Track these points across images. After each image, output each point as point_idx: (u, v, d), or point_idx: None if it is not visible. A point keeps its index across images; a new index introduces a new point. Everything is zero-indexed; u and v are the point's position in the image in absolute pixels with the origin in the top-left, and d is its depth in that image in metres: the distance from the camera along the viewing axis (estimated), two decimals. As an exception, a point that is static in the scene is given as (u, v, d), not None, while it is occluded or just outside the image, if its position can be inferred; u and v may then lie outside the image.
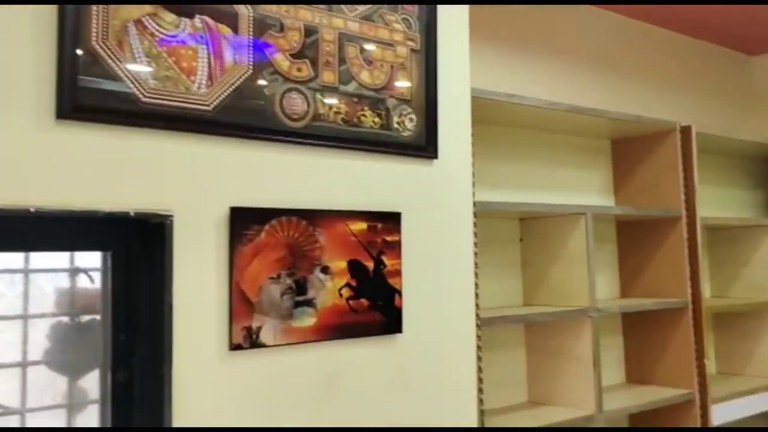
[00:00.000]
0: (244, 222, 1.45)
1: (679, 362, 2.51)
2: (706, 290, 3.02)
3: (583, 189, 2.64)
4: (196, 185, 1.39)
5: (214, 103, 1.42)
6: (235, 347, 1.42)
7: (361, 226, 1.62)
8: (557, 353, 2.30)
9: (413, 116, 1.73)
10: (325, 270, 1.56)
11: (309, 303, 1.53)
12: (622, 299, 2.63)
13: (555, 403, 2.29)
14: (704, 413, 2.45)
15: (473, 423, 1.79)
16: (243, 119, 1.46)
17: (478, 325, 1.85)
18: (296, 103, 1.54)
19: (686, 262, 2.50)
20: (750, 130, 3.32)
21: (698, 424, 2.44)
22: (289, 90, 1.53)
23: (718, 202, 3.13)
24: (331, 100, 1.58)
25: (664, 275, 2.56)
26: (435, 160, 1.77)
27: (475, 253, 1.86)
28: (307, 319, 1.52)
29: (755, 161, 3.32)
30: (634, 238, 2.67)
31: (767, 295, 2.85)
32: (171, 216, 1.34)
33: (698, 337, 2.49)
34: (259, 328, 1.45)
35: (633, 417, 2.63)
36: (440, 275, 1.76)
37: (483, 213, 2.10)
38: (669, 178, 2.55)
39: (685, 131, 2.54)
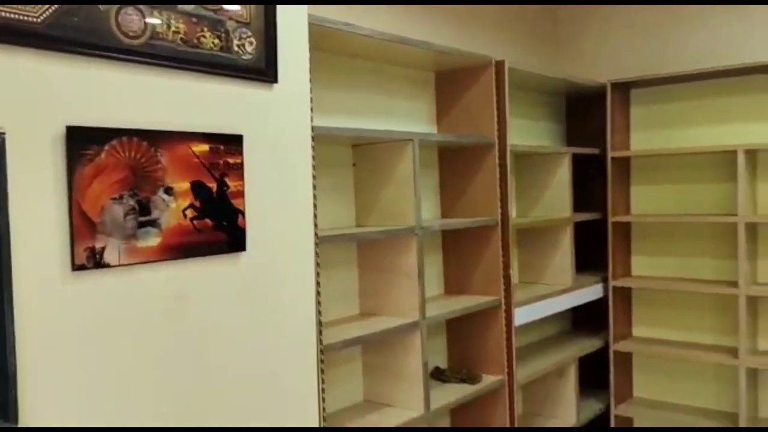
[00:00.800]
0: (82, 142, 1.42)
1: (489, 273, 2.84)
2: (513, 210, 3.40)
3: (411, 117, 2.83)
4: (28, 102, 1.33)
5: (44, 16, 1.35)
6: (78, 268, 1.41)
7: (203, 147, 1.65)
8: (387, 269, 2.50)
9: (253, 40, 1.76)
10: (168, 191, 1.58)
11: (153, 223, 1.55)
12: (443, 219, 2.89)
13: (385, 313, 2.51)
14: (508, 315, 2.83)
15: (312, 334, 1.93)
16: (75, 34, 1.40)
17: (316, 243, 1.97)
18: (132, 20, 1.51)
19: (497, 185, 2.80)
20: (554, 70, 3.71)
21: (503, 325, 2.81)
22: (125, 6, 1.49)
23: (525, 132, 3.50)
24: (169, 19, 1.56)
25: (478, 197, 2.86)
26: (275, 85, 1.82)
27: (314, 176, 1.96)
28: (152, 239, 1.54)
29: (557, 96, 3.72)
30: (453, 164, 2.93)
31: (562, 214, 3.28)
32: (3, 134, 1.28)
33: (505, 251, 2.83)
34: (103, 249, 1.45)
35: (450, 322, 2.96)
36: (281, 197, 1.85)
37: (320, 138, 2.20)
38: (485, 108, 2.81)
39: (500, 66, 2.79)
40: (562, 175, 3.28)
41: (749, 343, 3.13)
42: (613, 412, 3.44)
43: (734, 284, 3.13)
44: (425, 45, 2.47)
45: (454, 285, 2.96)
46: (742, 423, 3.06)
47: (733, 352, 3.18)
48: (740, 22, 3.27)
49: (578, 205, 3.69)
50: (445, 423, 2.98)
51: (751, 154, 3.14)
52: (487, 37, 3.27)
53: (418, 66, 2.80)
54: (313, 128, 1.97)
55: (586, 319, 3.77)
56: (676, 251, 3.49)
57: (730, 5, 3.28)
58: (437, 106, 2.95)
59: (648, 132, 3.55)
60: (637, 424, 3.62)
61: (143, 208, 1.53)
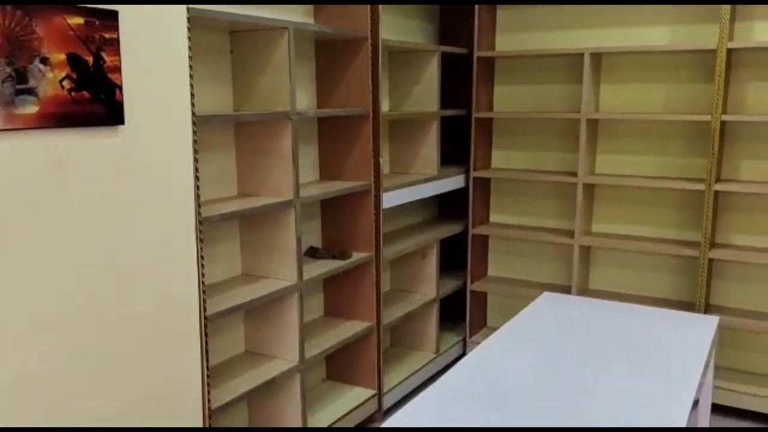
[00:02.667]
0: (-46, 7, 1.45)
1: (361, 161, 3.08)
2: (386, 104, 3.62)
3: (288, 8, 2.91)
4: None
5: None
6: (-43, 130, 1.48)
7: (78, 20, 1.71)
8: (264, 152, 2.67)
9: None
10: (44, 61, 1.64)
11: (30, 92, 1.62)
12: (318, 109, 3.06)
13: (262, 194, 2.70)
14: (377, 199, 3.10)
15: (191, 209, 2.09)
16: None
17: (194, 123, 2.10)
18: None
19: (369, 78, 2.99)
20: (428, -32, 3.85)
21: (372, 208, 3.08)
22: None
23: (400, 29, 3.67)
24: None
25: (352, 89, 3.04)
26: (149, -37, 1.87)
27: (190, 57, 2.06)
28: (30, 107, 1.62)
29: (431, -4, 3.90)
30: (329, 56, 3.07)
31: (430, 109, 3.54)
32: None
33: (375, 140, 3.06)
34: (-18, 113, 1.52)
35: (324, 205, 3.20)
36: (159, 77, 1.94)
37: (197, 22, 2.27)
38: (360, 5, 2.94)
39: (374, -39, 2.92)
40: (432, 72, 3.52)
41: (584, 226, 3.61)
42: (469, 287, 3.88)
43: (573, 174, 3.57)
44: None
45: (328, 171, 3.18)
46: (574, 293, 3.57)
47: (571, 233, 3.66)
48: (596, -66, 3.54)
49: (446, 102, 3.97)
50: (318, 294, 3.28)
51: (596, 57, 3.50)
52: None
53: (295, -44, 2.86)
54: (189, 9, 2.04)
55: (451, 206, 4.15)
56: (531, 146, 3.87)
57: None
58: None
59: (512, 34, 3.82)
60: (489, 298, 4.11)
61: (20, 77, 1.59)
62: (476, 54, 3.66)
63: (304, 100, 3.08)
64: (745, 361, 3.46)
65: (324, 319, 3.26)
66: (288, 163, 2.61)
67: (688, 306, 3.46)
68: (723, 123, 3.24)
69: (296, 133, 2.61)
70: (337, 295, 3.26)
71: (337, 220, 3.19)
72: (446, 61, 3.98)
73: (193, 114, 2.10)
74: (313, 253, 3.08)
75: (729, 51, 3.14)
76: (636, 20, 3.48)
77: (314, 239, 3.22)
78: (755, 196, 3.33)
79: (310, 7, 3.04)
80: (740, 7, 3.23)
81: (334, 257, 3.05)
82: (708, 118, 3.15)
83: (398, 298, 3.66)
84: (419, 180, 3.44)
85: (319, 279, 2.82)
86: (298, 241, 2.67)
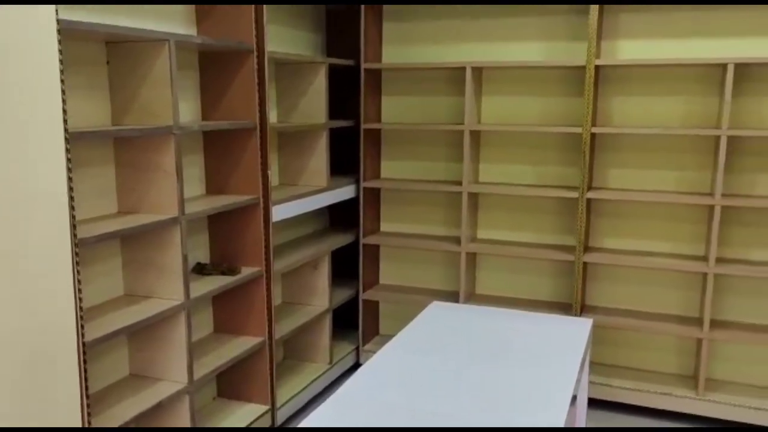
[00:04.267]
0: None
1: (249, 174, 3.04)
2: (274, 115, 3.59)
3: (170, 18, 2.83)
4: None
5: None
6: None
7: (-69, 33, 1.58)
8: (145, 168, 2.57)
9: None
10: None
11: None
12: (203, 121, 2.99)
13: (144, 211, 2.60)
14: (266, 212, 3.07)
15: (66, 231, 1.98)
16: None
17: (67, 139, 1.99)
18: None
19: (256, 90, 2.96)
20: (314, -21, 3.86)
21: (261, 222, 3.05)
22: None
23: (287, 40, 3.66)
24: None
25: (238, 101, 2.99)
26: (13, -28, 1.76)
27: (62, 70, 1.95)
28: None
29: (318, 8, 3.91)
30: (214, 68, 3.01)
31: (318, 120, 3.55)
32: None
33: (263, 153, 3.03)
34: None
35: (212, 220, 3.13)
36: (26, 92, 1.83)
37: (68, 34, 2.16)
38: (244, 14, 2.90)
39: (258, -27, 2.89)
40: (319, 83, 3.53)
41: (470, 233, 3.75)
42: (361, 297, 3.92)
43: (459, 183, 3.70)
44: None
45: (215, 185, 3.11)
46: (462, 299, 3.69)
47: (458, 240, 3.78)
48: (475, -47, 3.69)
49: (335, 113, 4.00)
50: (208, 311, 3.19)
51: (477, 70, 3.65)
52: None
53: (176, -35, 2.79)
54: (59, 21, 1.94)
55: (342, 217, 4.17)
56: (419, 155, 3.97)
57: (467, -64, 3.68)
58: (197, 9, 2.98)
59: (398, 47, 3.91)
60: (381, 307, 4.17)
61: None
62: (363, 66, 3.71)
63: (189, 112, 2.99)
64: (619, 356, 3.72)
65: (214, 336, 3.18)
66: (171, 179, 2.54)
67: (566, 307, 3.67)
68: (593, 135, 3.46)
69: (179, 148, 2.54)
70: (228, 311, 3.19)
71: (226, 234, 3.13)
72: (334, 72, 4.01)
73: (66, 130, 1.99)
74: (200, 270, 3.01)
75: (597, 67, 3.37)
76: (514, 36, 3.66)
77: (202, 255, 3.14)
78: (623, 203, 3.59)
79: (193, 15, 2.97)
80: (606, 26, 3.47)
81: (223, 273, 2.99)
82: (579, 130, 3.36)
83: (291, 311, 3.63)
84: (309, 192, 3.43)
85: (207, 296, 2.75)
86: (184, 258, 2.59)
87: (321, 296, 3.70)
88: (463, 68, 3.61)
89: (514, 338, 2.62)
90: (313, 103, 3.56)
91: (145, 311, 2.46)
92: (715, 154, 3.29)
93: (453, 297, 3.84)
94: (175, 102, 2.49)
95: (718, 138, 3.21)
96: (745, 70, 3.26)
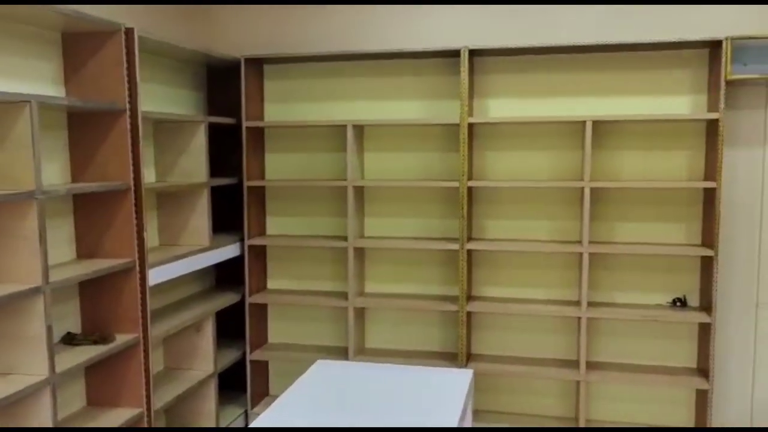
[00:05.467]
0: None
1: (123, 236, 2.92)
2: (151, 174, 3.50)
3: (35, 77, 2.72)
4: None
5: None
6: None
7: None
8: (6, 234, 2.42)
9: None
10: None
11: None
12: (73, 183, 2.86)
13: (3, 281, 2.43)
14: (143, 276, 2.95)
15: None
16: None
17: None
18: None
19: (129, 150, 2.88)
20: (190, 41, 3.85)
21: (137, 286, 2.93)
22: None
23: (165, 98, 3.60)
24: None
25: (110, 161, 2.89)
26: None
27: None
28: None
29: (198, 66, 3.89)
30: (84, 128, 2.91)
31: (199, 179, 3.49)
32: None
33: (139, 214, 2.93)
34: None
35: (83, 286, 2.97)
36: None
37: None
38: (115, 74, 2.84)
39: (129, 33, 2.85)
40: (199, 141, 3.48)
41: (358, 287, 3.77)
42: (248, 357, 3.82)
43: (344, 238, 3.73)
44: (45, 7, 2.41)
45: (87, 249, 2.97)
46: (351, 354, 3.68)
47: (345, 295, 3.79)
48: (367, 13, 3.81)
49: (218, 171, 3.95)
50: (79, 383, 3.00)
51: (358, 128, 3.73)
52: (122, 4, 3.27)
53: (42, 25, 2.70)
54: None
55: (228, 276, 4.08)
56: (304, 211, 3.98)
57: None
58: (65, 68, 2.88)
59: (280, 104, 3.94)
60: (271, 366, 4.08)
61: None
62: (245, 124, 3.71)
63: (56, 174, 2.86)
64: (504, 403, 3.81)
65: (86, 410, 2.99)
66: (33, 245, 2.40)
67: (453, 356, 3.73)
68: (470, 188, 3.61)
69: (42, 213, 2.41)
70: (102, 382, 3.01)
71: (99, 300, 2.98)
72: (216, 129, 3.98)
73: None
74: (70, 340, 2.83)
75: (470, 125, 3.54)
76: (393, 95, 3.79)
77: (72, 323, 2.96)
78: (501, 253, 3.73)
79: (60, 76, 2.86)
80: (477, 86, 3.67)
81: (95, 342, 2.83)
82: (457, 184, 3.49)
83: (173, 377, 3.48)
84: (191, 252, 3.34)
85: (78, 368, 2.59)
86: (49, 329, 2.44)
87: (205, 360, 3.57)
88: (345, 126, 3.68)
89: (397, 393, 2.63)
90: (194, 161, 3.50)
91: (4, 390, 2.28)
92: (581, 204, 3.50)
93: (343, 353, 3.82)
94: (37, 165, 2.38)
95: (582, 189, 3.43)
96: (602, 126, 3.53)
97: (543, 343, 3.73)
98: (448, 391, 2.68)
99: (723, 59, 3.14)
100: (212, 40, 3.99)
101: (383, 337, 3.93)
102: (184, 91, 3.77)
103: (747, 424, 3.53)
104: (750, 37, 3.17)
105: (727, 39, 3.13)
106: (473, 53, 3.50)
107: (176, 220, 3.55)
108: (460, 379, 2.81)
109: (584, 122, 3.37)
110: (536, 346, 3.74)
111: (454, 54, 3.51)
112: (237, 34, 3.96)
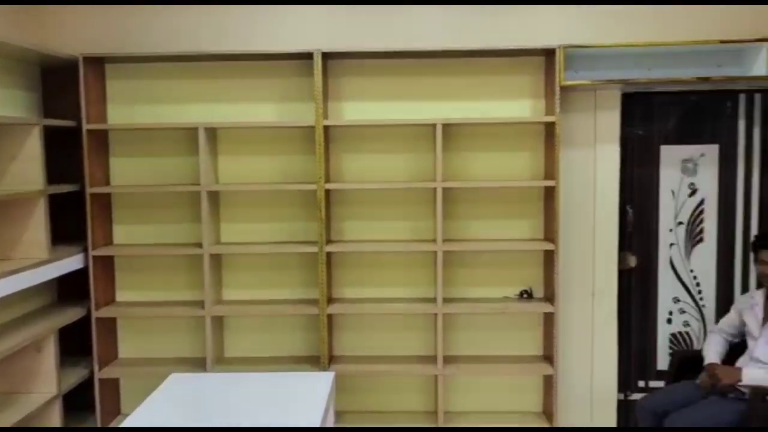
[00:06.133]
0: None
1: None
2: (-23, 183, 3.18)
3: None
4: None
5: None
6: None
7: None
8: None
9: None
10: None
11: None
12: None
13: None
14: (-33, 294, 2.67)
15: None
16: None
17: None
18: None
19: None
20: (21, 38, 3.55)
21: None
22: None
23: (-8, 99, 3.29)
24: None
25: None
26: None
27: None
28: None
29: (32, 65, 3.58)
30: None
31: (34, 187, 3.22)
32: None
33: (-38, 226, 2.65)
34: None
35: None
36: None
37: None
38: None
39: (-56, 26, 2.57)
40: (33, 146, 3.22)
41: (215, 295, 3.65)
42: (97, 375, 3.58)
43: (199, 245, 3.59)
44: None
45: None
46: (209, 365, 3.56)
47: (201, 304, 3.65)
48: (220, 13, 3.67)
49: (58, 177, 3.66)
50: None
51: (211, 131, 3.62)
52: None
53: None
54: None
55: (71, 290, 3.79)
56: (155, 218, 3.79)
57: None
58: None
59: (125, 106, 3.72)
60: (123, 384, 3.85)
61: None
62: (85, 126, 3.47)
63: None
64: (368, 402, 3.84)
65: None
66: None
67: (316, 360, 3.72)
68: (327, 191, 3.61)
69: None
70: None
71: None
72: (54, 133, 3.68)
73: None
74: None
75: (326, 127, 3.54)
76: (248, 97, 3.71)
77: None
78: (361, 254, 3.76)
79: None
80: (332, 88, 3.68)
81: None
82: (314, 186, 3.48)
83: (9, 403, 3.18)
84: (26, 266, 3.08)
85: None
86: None
87: (47, 381, 3.30)
88: (196, 129, 3.55)
89: (256, 401, 2.58)
90: (28, 167, 3.23)
91: None
92: (434, 204, 3.62)
93: (201, 364, 3.68)
94: None
95: (435, 190, 3.54)
96: (452, 129, 3.66)
97: (403, 341, 3.81)
98: (309, 394, 2.66)
99: (557, 66, 3.38)
100: (47, 39, 3.69)
101: (244, 345, 3.84)
102: (15, 91, 3.47)
103: (588, 405, 3.81)
104: (580, 46, 3.44)
105: (560, 47, 3.37)
106: (327, 56, 3.51)
107: (9, 232, 3.26)
108: (321, 381, 2.81)
109: (435, 125, 3.48)
110: (397, 344, 3.81)
111: (308, 56, 3.50)
112: (76, 32, 3.69)
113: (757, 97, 3.71)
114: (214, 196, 3.67)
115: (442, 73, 3.67)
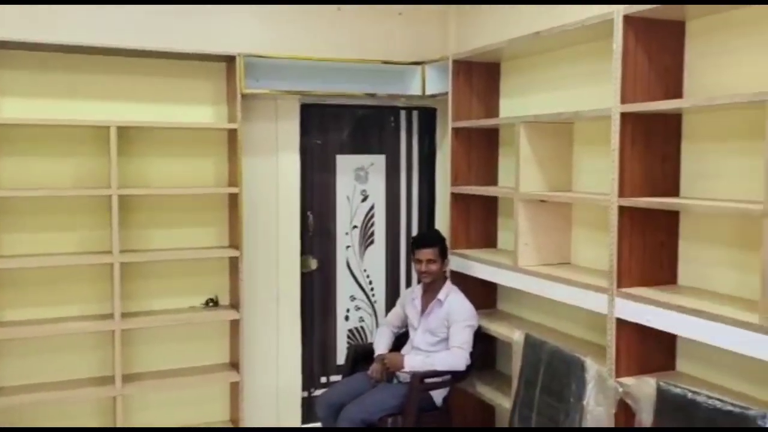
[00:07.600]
0: None
1: None
2: None
3: None
4: None
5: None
6: None
7: None
8: None
9: None
10: None
11: None
12: None
13: None
14: None
15: None
16: None
17: None
18: None
19: None
20: None
21: None
22: None
23: None
24: None
25: None
26: None
27: None
28: None
29: None
30: None
31: None
32: None
33: None
34: None
35: None
36: None
37: None
38: None
39: None
40: None
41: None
42: None
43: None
44: None
45: None
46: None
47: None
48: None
49: None
50: None
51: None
52: None
53: None
54: None
55: None
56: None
57: None
58: None
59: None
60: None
61: None
62: None
63: None
64: None
65: None
66: None
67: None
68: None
69: None
70: None
71: None
72: None
73: None
74: None
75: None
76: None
77: None
78: (23, 270, 3.31)
79: None
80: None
81: None
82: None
83: None
84: None
85: None
86: None
87: None
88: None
89: None
90: None
91: None
92: (110, 213, 3.36)
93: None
94: None
95: (110, 197, 3.28)
96: (129, 132, 3.44)
97: (78, 363, 3.45)
98: None
99: (237, 74, 3.40)
100: None
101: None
102: None
103: (275, 409, 3.90)
104: (260, 56, 3.51)
105: (239, 55, 3.40)
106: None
107: None
108: None
109: (109, 127, 3.24)
110: (72, 367, 3.44)
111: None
112: None
113: (415, 113, 4.20)
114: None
115: (119, 71, 3.44)
